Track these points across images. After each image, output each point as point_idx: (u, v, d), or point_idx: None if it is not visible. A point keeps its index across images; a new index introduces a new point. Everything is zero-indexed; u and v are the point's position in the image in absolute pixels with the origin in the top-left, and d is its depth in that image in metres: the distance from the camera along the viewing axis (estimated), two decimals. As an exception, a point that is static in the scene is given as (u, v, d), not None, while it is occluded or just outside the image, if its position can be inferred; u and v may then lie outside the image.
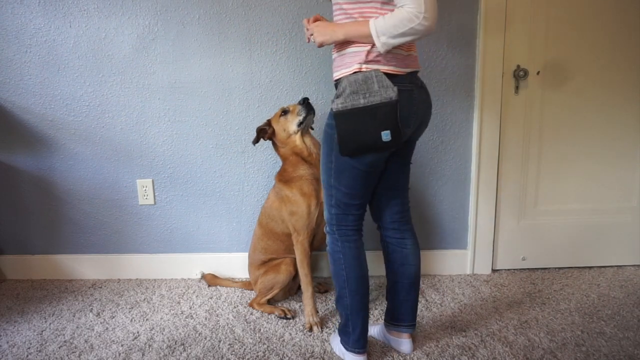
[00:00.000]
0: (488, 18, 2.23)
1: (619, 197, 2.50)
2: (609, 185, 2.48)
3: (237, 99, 2.36)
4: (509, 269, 2.56)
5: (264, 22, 2.27)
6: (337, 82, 1.55)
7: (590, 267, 2.56)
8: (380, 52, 1.47)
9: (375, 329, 1.93)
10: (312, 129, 2.17)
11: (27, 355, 1.86)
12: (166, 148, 2.42)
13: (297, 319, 2.09)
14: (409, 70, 1.53)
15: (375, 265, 2.19)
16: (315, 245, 2.15)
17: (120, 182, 2.46)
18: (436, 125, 2.38)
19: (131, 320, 2.11)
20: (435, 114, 2.33)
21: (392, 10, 1.41)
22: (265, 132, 2.10)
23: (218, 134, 2.40)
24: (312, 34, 1.58)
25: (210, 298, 2.31)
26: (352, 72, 1.49)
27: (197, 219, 2.50)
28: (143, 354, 1.85)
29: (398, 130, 1.47)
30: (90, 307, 2.24)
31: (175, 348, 1.89)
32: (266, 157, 2.42)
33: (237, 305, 2.23)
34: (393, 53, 1.49)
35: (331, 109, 1.52)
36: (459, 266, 2.52)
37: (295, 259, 2.10)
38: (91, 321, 2.11)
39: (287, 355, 1.82)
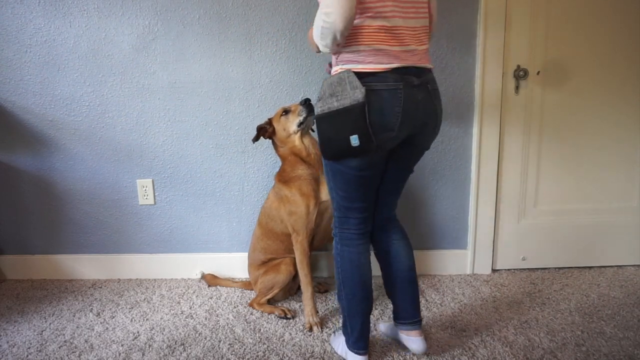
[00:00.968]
0: (488, 18, 2.23)
1: (619, 197, 2.50)
2: (609, 185, 2.48)
3: (237, 99, 2.36)
4: (509, 269, 2.56)
5: (264, 22, 2.27)
6: None
7: (590, 267, 2.56)
8: (352, 50, 1.41)
9: (387, 327, 1.93)
10: (313, 130, 2.17)
11: (27, 355, 1.86)
12: (166, 148, 2.42)
13: (297, 319, 2.09)
14: (394, 65, 1.41)
15: (375, 265, 2.19)
16: (315, 245, 2.15)
17: (120, 182, 2.46)
18: (436, 125, 2.38)
19: (131, 320, 2.11)
20: (435, 114, 2.33)
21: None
22: (265, 131, 2.10)
23: (218, 134, 2.40)
24: None
25: (210, 298, 2.31)
26: (336, 72, 1.46)
27: (197, 219, 2.50)
28: (143, 354, 1.85)
29: (367, 133, 1.39)
30: (90, 307, 2.24)
31: (175, 348, 1.89)
32: (266, 157, 2.42)
33: (237, 305, 2.23)
34: (374, 48, 1.40)
35: None
36: (459, 266, 2.52)
37: (295, 259, 2.10)
38: (91, 321, 2.11)
39: (287, 355, 1.82)
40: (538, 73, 2.33)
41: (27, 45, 2.30)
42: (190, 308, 2.21)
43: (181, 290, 2.40)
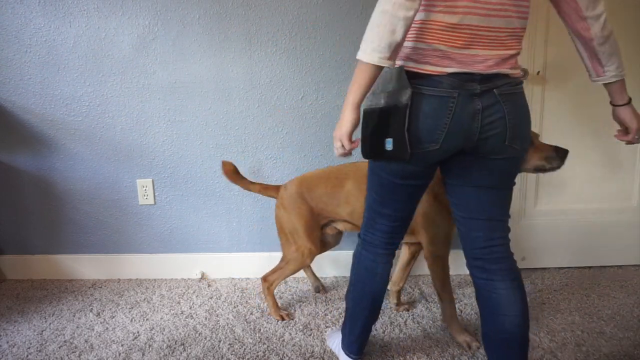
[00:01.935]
0: (488, 18, 2.23)
1: (619, 197, 2.50)
2: (609, 185, 2.48)
3: (237, 99, 2.36)
4: (509, 269, 2.55)
5: (264, 22, 2.27)
6: None
7: (590, 267, 2.56)
8: (412, 46, 1.26)
9: None
10: None
11: (27, 355, 1.86)
12: (166, 148, 2.42)
13: (297, 319, 2.09)
14: (453, 70, 1.24)
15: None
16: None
17: (120, 182, 2.46)
18: (436, 125, 2.38)
19: (131, 320, 2.11)
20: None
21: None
22: None
23: (218, 134, 2.40)
24: None
25: (210, 298, 2.31)
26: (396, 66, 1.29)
27: (197, 219, 2.50)
28: (143, 354, 1.85)
29: (402, 140, 1.26)
30: (90, 307, 2.24)
31: (175, 348, 1.89)
32: (266, 156, 2.42)
33: (237, 305, 2.23)
34: (434, 48, 1.24)
35: None
36: (459, 266, 2.52)
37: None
38: (91, 321, 2.11)
39: (287, 355, 1.82)
40: (538, 73, 2.33)
41: (27, 45, 2.30)
42: (190, 308, 2.21)
43: (181, 290, 2.40)
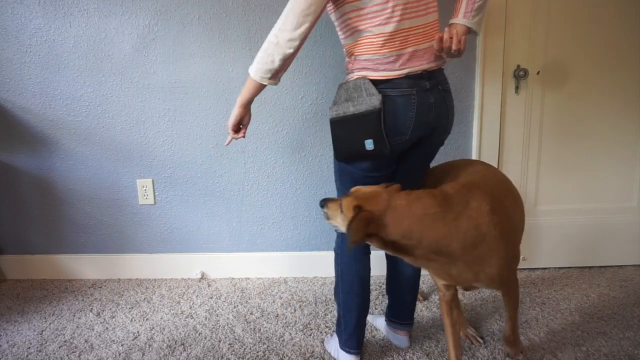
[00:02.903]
0: (488, 18, 2.23)
1: (619, 197, 2.50)
2: (609, 185, 2.48)
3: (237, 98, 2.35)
4: (509, 269, 2.56)
5: (264, 22, 2.27)
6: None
7: (590, 267, 2.56)
8: (366, 59, 1.45)
9: (379, 321, 1.96)
10: None
11: (27, 355, 1.86)
12: (166, 148, 2.42)
13: (297, 319, 2.09)
14: (406, 71, 1.45)
15: (375, 263, 2.19)
16: None
17: (120, 182, 2.46)
18: (436, 125, 2.38)
19: (131, 320, 2.11)
20: (435, 114, 2.33)
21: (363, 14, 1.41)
22: None
23: (218, 134, 2.40)
24: None
25: (210, 298, 2.31)
26: (352, 78, 1.49)
27: (197, 219, 2.50)
28: (143, 354, 1.85)
29: (382, 138, 1.44)
30: (90, 307, 2.24)
31: (175, 348, 1.89)
32: (266, 156, 2.42)
33: (237, 305, 2.23)
34: (382, 56, 1.43)
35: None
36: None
37: None
38: (91, 321, 2.11)
39: (287, 355, 1.82)
40: (538, 73, 2.33)
41: (27, 45, 2.30)
42: (190, 308, 2.21)
43: (181, 290, 2.40)
